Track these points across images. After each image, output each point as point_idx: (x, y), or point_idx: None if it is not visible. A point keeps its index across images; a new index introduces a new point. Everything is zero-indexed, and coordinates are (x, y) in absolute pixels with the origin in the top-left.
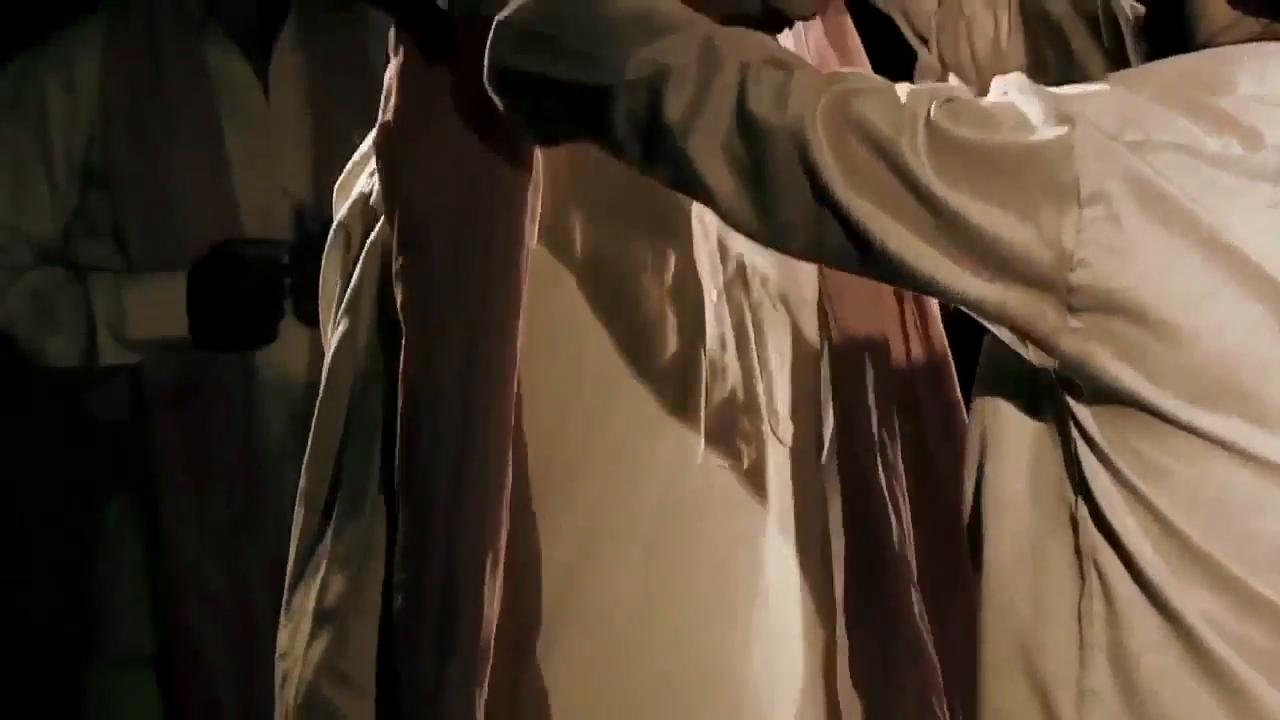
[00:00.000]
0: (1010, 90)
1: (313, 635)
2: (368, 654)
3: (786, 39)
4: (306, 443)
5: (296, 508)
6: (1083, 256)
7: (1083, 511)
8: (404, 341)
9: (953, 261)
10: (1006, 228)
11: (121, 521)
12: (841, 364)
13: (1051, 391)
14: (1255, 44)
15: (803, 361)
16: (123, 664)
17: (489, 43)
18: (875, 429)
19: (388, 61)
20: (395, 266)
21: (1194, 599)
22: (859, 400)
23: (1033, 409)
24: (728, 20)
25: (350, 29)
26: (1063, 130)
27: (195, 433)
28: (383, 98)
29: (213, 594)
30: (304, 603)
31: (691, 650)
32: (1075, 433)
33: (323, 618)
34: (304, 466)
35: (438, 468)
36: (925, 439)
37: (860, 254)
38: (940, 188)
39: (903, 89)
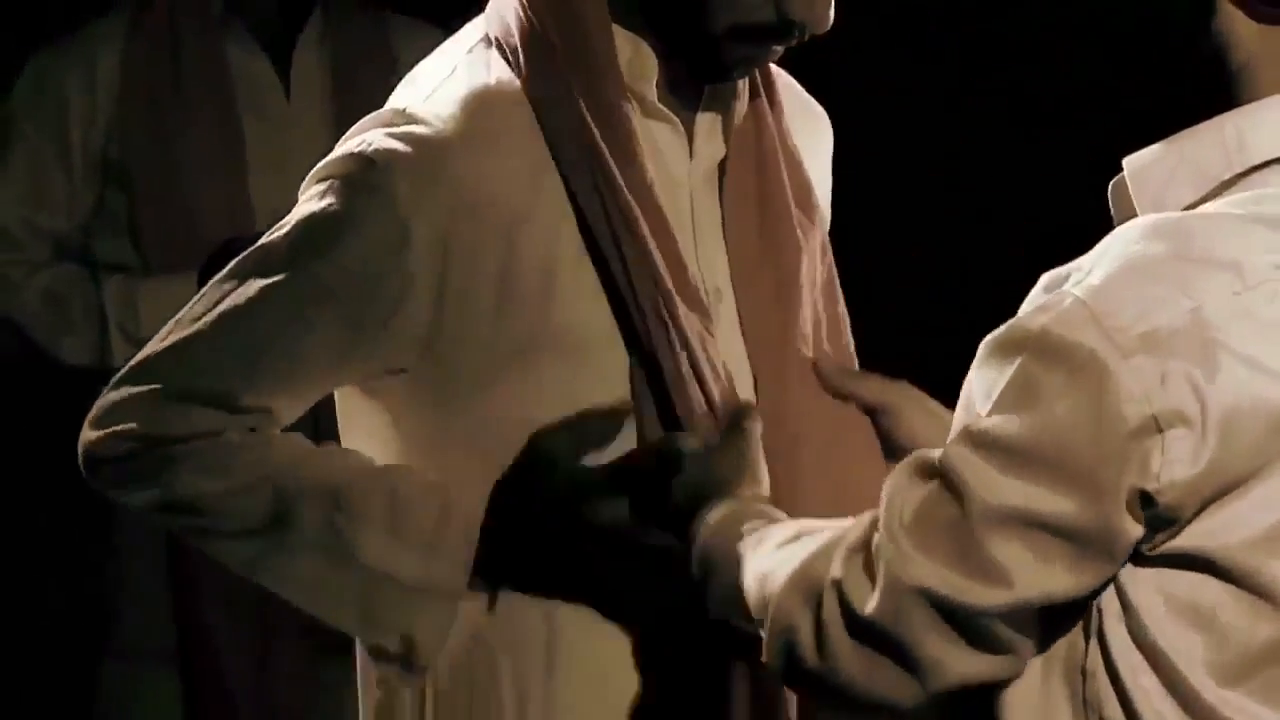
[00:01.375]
0: (1031, 330)
1: None
2: None
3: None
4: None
5: None
6: (1170, 476)
7: (1093, 662)
8: None
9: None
10: (1114, 499)
11: (137, 520)
12: (758, 347)
13: None
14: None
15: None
16: (139, 661)
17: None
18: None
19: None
20: None
21: None
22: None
23: None
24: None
25: (373, 27)
26: (1107, 377)
27: None
28: None
29: (230, 591)
30: None
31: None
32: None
33: None
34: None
35: None
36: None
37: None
38: (1038, 506)
39: (922, 462)
